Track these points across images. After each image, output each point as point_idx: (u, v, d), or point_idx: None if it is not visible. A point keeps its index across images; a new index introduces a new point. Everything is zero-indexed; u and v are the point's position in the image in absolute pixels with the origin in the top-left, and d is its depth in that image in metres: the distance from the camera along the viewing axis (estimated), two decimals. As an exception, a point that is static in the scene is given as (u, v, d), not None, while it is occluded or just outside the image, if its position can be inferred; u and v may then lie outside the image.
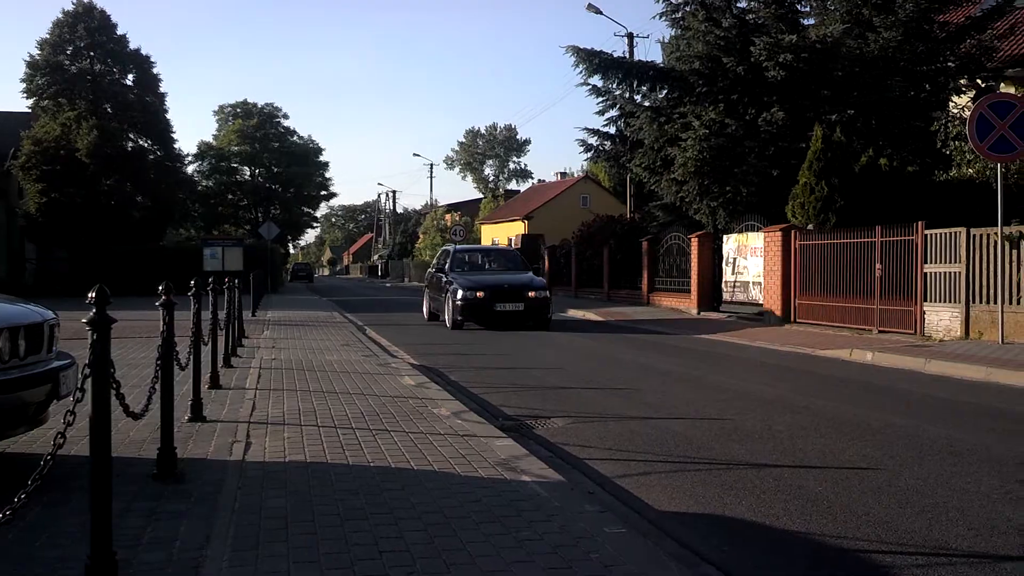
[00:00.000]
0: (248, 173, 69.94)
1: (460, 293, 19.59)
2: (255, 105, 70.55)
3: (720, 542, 5.01)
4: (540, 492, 5.59)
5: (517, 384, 11.42)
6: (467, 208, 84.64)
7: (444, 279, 21.00)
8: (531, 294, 20.00)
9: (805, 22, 25.25)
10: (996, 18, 23.52)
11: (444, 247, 24.85)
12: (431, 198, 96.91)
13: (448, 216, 77.84)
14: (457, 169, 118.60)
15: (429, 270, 23.85)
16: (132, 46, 47.29)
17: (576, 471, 6.59)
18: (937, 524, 5.26)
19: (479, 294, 19.62)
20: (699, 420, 8.79)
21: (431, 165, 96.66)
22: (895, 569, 4.54)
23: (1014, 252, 14.60)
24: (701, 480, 6.38)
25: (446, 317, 20.21)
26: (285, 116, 71.55)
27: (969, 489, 6.05)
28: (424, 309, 23.51)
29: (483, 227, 73.29)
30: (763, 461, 6.91)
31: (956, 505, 5.65)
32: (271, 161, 69.04)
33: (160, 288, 6.17)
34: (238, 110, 70.42)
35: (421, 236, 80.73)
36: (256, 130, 68.31)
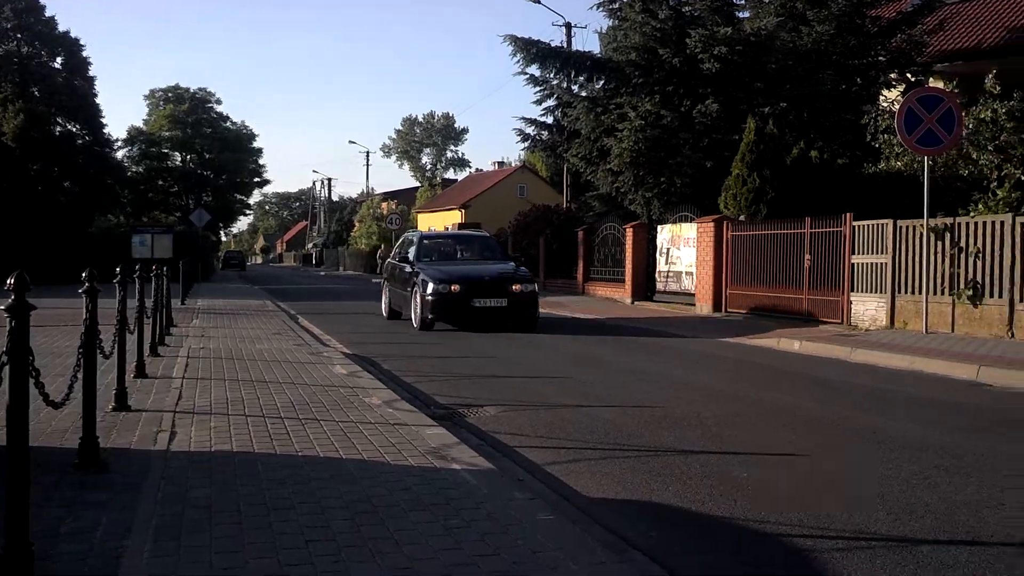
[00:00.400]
0: (179, 159, 68.78)
1: (430, 287, 16.60)
2: (187, 90, 69.32)
3: (647, 527, 5.06)
4: (470, 480, 5.59)
5: (450, 373, 11.41)
6: (404, 197, 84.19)
7: (409, 270, 17.86)
8: (516, 287, 17.01)
9: (740, 15, 25.55)
10: (926, 14, 24.07)
11: (408, 233, 21.29)
12: (367, 186, 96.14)
13: (384, 204, 77.35)
14: (394, 157, 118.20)
15: (389, 260, 20.66)
16: (61, 28, 46.26)
17: (507, 459, 6.60)
18: (857, 509, 5.36)
19: (453, 288, 16.59)
20: (629, 408, 8.86)
21: (367, 153, 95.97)
22: (816, 552, 4.63)
23: (939, 244, 14.94)
24: (630, 467, 6.43)
25: (412, 315, 17.23)
26: (218, 101, 70.43)
27: (889, 475, 6.18)
28: (383, 305, 20.24)
29: (420, 216, 73.02)
30: (691, 448, 6.99)
31: (876, 491, 5.77)
32: (203, 147, 67.93)
33: (84, 275, 6.04)
34: (169, 95, 69.11)
35: (357, 224, 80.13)
36: (188, 115, 67.12)
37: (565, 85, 29.26)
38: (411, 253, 18.71)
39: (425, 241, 19.61)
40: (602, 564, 4.17)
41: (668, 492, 5.76)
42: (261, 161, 73.07)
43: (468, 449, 6.49)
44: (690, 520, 5.25)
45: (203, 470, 5.77)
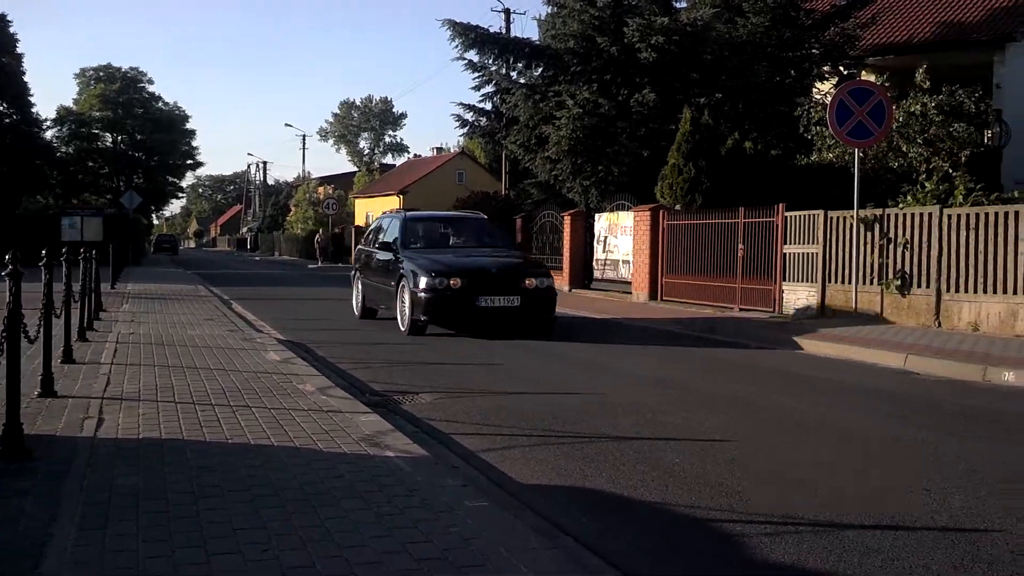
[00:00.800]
0: (110, 140, 67.36)
1: (423, 280, 13.53)
2: (119, 69, 67.85)
3: (579, 513, 5.09)
4: (403, 467, 5.56)
5: (386, 360, 11.36)
6: (341, 181, 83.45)
7: (391, 259, 14.93)
8: (529, 282, 13.89)
9: (677, 5, 25.73)
10: (859, 7, 24.51)
11: (387, 214, 17.86)
12: (303, 170, 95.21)
13: (321, 189, 76.61)
14: (331, 141, 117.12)
15: (361, 246, 17.91)
16: (-15, 4, 45.00)
17: (441, 446, 6.59)
18: (786, 494, 5.46)
19: (453, 282, 13.47)
20: (565, 395, 8.90)
21: (304, 136, 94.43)
22: (744, 537, 4.70)
23: (869, 234, 15.23)
24: (564, 453, 6.46)
25: (399, 316, 14.22)
26: (150, 81, 69.05)
27: (818, 461, 6.30)
28: (355, 301, 17.06)
29: (357, 201, 72.54)
30: (624, 434, 7.04)
31: (805, 476, 5.87)
32: (134, 128, 66.58)
33: (7, 257, 5.88)
34: (101, 74, 67.57)
35: (293, 209, 79.30)
36: (119, 95, 65.68)
37: (504, 71, 29.22)
38: (392, 237, 15.47)
39: (411, 223, 15.90)
40: (534, 550, 4.19)
41: (601, 478, 5.80)
42: (194, 143, 71.99)
43: (402, 436, 6.46)
44: (622, 505, 5.29)
45: (131, 457, 5.67)
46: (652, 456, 6.36)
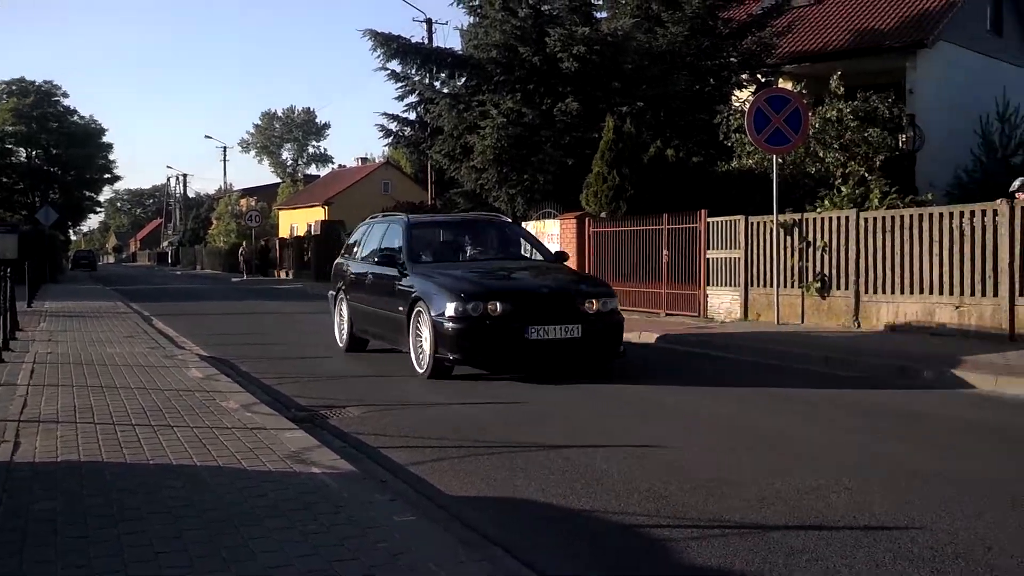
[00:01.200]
0: (24, 155, 65.79)
1: (451, 306, 10.16)
2: (32, 83, 66.39)
3: (509, 523, 5.08)
4: (330, 483, 5.50)
5: (312, 374, 11.23)
6: (264, 193, 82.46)
7: (394, 276, 11.61)
8: (590, 305, 10.48)
9: (598, 15, 25.97)
10: (775, 16, 24.99)
11: (376, 219, 14.06)
12: (225, 182, 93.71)
13: (243, 201, 75.58)
14: (253, 152, 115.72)
15: (341, 259, 14.28)
16: None
17: (369, 460, 6.52)
18: (712, 498, 5.51)
19: (491, 307, 10.11)
20: (495, 405, 8.88)
21: (224, 148, 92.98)
22: (671, 541, 4.74)
23: (788, 238, 15.51)
24: (494, 464, 6.44)
25: (413, 352, 10.89)
26: (65, 95, 67.70)
27: (743, 464, 6.37)
28: (337, 330, 13.73)
29: (281, 212, 71.84)
30: (554, 443, 7.03)
31: (731, 480, 5.93)
32: (49, 142, 65.25)
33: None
34: (13, 88, 66.05)
35: (215, 222, 78.12)
36: (33, 109, 64.24)
37: (427, 81, 29.14)
38: (391, 248, 12.13)
39: (417, 230, 12.46)
40: (462, 564, 4.16)
41: (531, 487, 5.79)
42: (111, 156, 70.97)
43: (329, 452, 6.38)
44: (551, 514, 5.29)
45: (48, 481, 5.52)
46: (581, 463, 6.35)
